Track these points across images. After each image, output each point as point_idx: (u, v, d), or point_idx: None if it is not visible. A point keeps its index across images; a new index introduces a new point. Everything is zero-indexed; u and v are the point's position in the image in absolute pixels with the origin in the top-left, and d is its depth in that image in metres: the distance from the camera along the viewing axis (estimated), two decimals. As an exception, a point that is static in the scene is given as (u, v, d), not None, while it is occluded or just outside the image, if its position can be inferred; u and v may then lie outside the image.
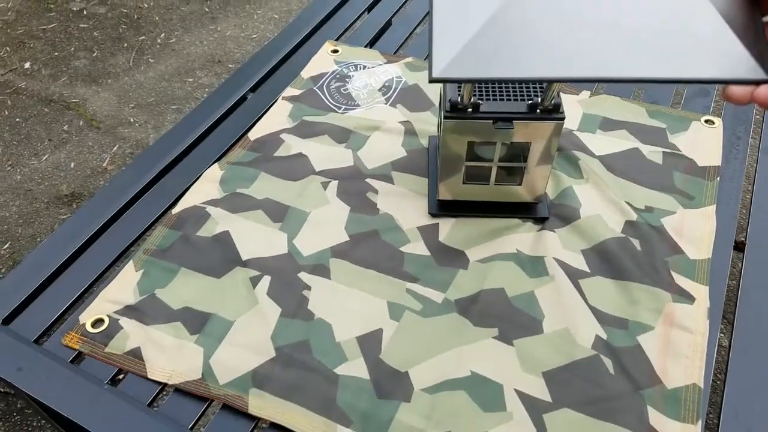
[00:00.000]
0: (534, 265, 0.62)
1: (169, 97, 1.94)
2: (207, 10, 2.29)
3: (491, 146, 0.61)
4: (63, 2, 2.35)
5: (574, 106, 0.79)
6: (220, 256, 0.64)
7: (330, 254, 0.63)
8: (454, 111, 0.58)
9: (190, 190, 0.71)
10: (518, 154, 0.62)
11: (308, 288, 0.60)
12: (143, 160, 0.75)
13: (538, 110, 0.58)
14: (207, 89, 1.96)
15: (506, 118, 0.58)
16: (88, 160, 1.77)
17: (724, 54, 0.32)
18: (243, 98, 0.85)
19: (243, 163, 0.74)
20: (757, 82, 0.32)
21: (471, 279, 0.61)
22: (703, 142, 0.74)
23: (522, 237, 0.65)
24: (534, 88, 0.60)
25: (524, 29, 0.31)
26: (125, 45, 2.15)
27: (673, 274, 0.60)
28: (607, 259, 0.62)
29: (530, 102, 0.58)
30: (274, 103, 0.82)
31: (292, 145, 0.76)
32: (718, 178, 0.70)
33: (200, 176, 0.72)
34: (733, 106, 0.79)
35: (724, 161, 0.72)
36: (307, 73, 0.87)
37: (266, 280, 0.61)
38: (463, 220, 0.67)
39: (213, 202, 0.69)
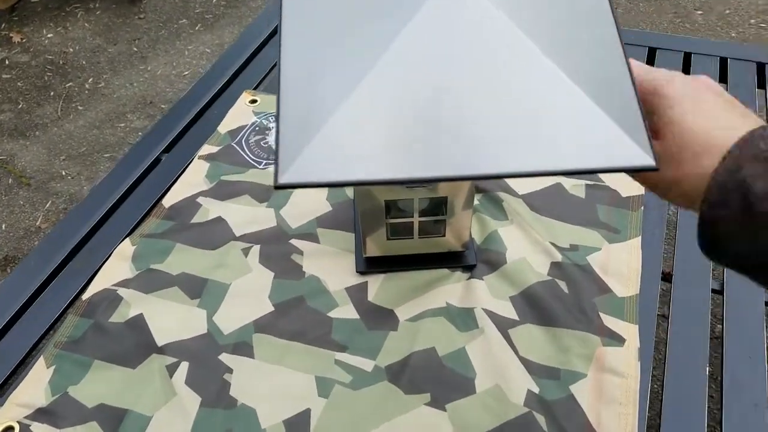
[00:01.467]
0: (464, 318, 0.60)
1: (101, 145, 1.88)
2: (135, 49, 2.23)
3: (409, 201, 0.59)
4: (-18, 53, 2.25)
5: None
6: (135, 344, 0.60)
7: (253, 329, 0.60)
8: (364, 171, 0.56)
9: (101, 271, 0.67)
10: (437, 206, 0.60)
11: (230, 371, 0.57)
12: (50, 242, 0.71)
13: (449, 164, 0.56)
14: (140, 133, 1.90)
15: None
16: (20, 220, 1.69)
17: (603, 140, 0.30)
18: (157, 160, 0.81)
19: (156, 234, 0.70)
20: (644, 170, 0.30)
21: (401, 341, 0.59)
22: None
23: (451, 288, 0.63)
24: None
25: (377, 127, 0.29)
26: (52, 93, 2.07)
27: (602, 315, 0.59)
28: (535, 305, 0.60)
29: (440, 156, 0.56)
30: (190, 163, 0.79)
31: (210, 209, 0.73)
32: (642, 208, 0.70)
33: (111, 254, 0.68)
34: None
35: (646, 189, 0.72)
36: (224, 127, 0.83)
37: (184, 367, 0.57)
38: (393, 275, 0.65)
39: (125, 283, 0.65)
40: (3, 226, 1.68)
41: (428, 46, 0.30)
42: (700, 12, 2.27)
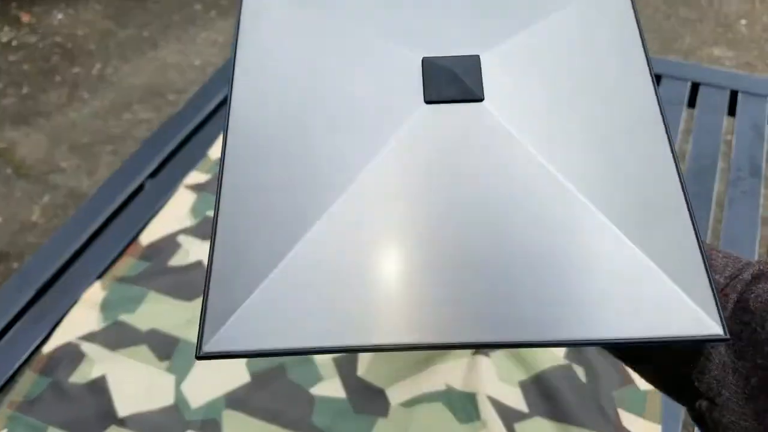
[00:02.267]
0: (465, 406, 0.53)
1: (105, 136, 1.82)
2: (146, 34, 2.15)
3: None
4: (-9, 32, 2.20)
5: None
6: (94, 411, 0.54)
7: (224, 404, 0.54)
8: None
9: (66, 318, 0.60)
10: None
11: (194, 455, 0.51)
12: (20, 278, 0.64)
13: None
14: (146, 125, 1.84)
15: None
16: (16, 213, 1.64)
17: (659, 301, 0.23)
18: (141, 187, 0.74)
19: (130, 278, 0.63)
20: (713, 340, 0.24)
21: (391, 430, 0.52)
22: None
23: (453, 366, 0.56)
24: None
25: (319, 287, 0.23)
26: (58, 79, 2.01)
27: (621, 412, 0.52)
28: (547, 396, 0.53)
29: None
30: (176, 191, 0.72)
31: (190, 250, 0.66)
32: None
33: (79, 299, 0.62)
34: (692, 181, 0.71)
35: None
36: (216, 151, 0.76)
37: (144, 447, 0.51)
38: (385, 343, 0.57)
39: (90, 337, 0.59)
40: None
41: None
42: (744, 21, 2.13)
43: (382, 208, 0.24)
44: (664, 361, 0.28)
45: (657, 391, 0.52)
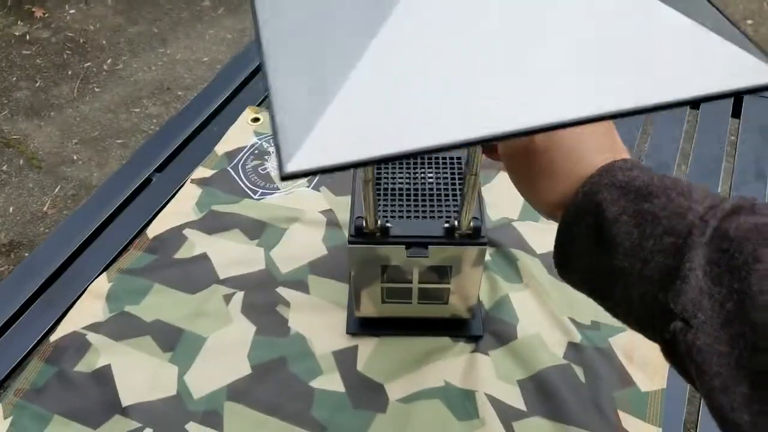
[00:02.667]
0: (463, 404, 0.53)
1: (115, 130, 1.83)
2: (156, 30, 2.17)
3: (408, 267, 0.52)
4: (4, 26, 2.22)
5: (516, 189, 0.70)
6: (99, 400, 0.54)
7: (225, 395, 0.54)
8: (359, 235, 0.49)
9: (73, 309, 0.61)
10: (441, 273, 0.53)
11: (195, 445, 0.51)
12: (25, 268, 0.66)
13: (456, 234, 0.49)
14: (155, 120, 1.85)
15: (420, 243, 0.49)
16: (28, 203, 1.66)
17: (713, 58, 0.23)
18: (148, 180, 0.75)
19: (136, 270, 0.64)
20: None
21: (389, 427, 0.52)
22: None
23: (452, 363, 0.56)
24: (453, 205, 0.51)
25: (407, 81, 0.21)
26: (69, 73, 2.03)
27: (621, 414, 0.52)
28: (546, 395, 0.53)
29: (446, 225, 0.49)
30: (181, 186, 0.73)
31: (196, 242, 0.66)
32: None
33: (85, 290, 0.63)
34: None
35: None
36: (222, 148, 0.77)
37: (146, 437, 0.52)
38: (387, 341, 0.58)
39: (95, 327, 0.59)
40: (10, 209, 1.65)
41: None
42: (750, 22, 2.12)
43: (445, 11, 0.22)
44: (641, 286, 0.29)
45: (658, 392, 0.53)
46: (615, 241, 0.29)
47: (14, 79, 2.04)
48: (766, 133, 0.75)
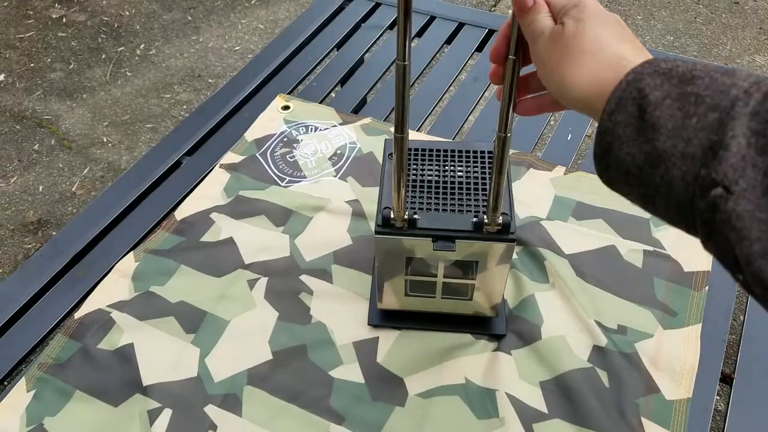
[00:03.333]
0: (483, 402, 0.53)
1: (145, 114, 1.85)
2: (190, 18, 2.19)
3: (434, 260, 0.51)
4: (42, 8, 2.26)
5: (545, 188, 0.69)
6: (120, 378, 0.55)
7: (245, 380, 0.55)
8: (386, 226, 0.49)
9: (98, 287, 0.62)
10: (466, 267, 0.52)
11: (214, 428, 0.52)
12: (54, 245, 0.67)
13: (484, 229, 0.48)
14: (185, 106, 1.87)
15: (447, 237, 0.49)
16: (57, 183, 1.69)
17: None
18: (178, 163, 0.76)
19: (162, 251, 0.65)
20: None
21: (407, 421, 0.52)
22: (692, 239, 0.63)
23: (473, 360, 0.55)
24: (482, 200, 0.50)
25: None
26: (103, 56, 2.06)
27: (644, 421, 0.51)
28: (568, 398, 0.52)
29: (475, 220, 0.48)
30: (210, 171, 0.73)
31: (223, 227, 0.67)
32: (707, 288, 0.60)
33: (112, 268, 0.63)
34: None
35: (714, 265, 0.62)
36: (252, 134, 0.77)
37: (166, 416, 0.52)
38: (408, 334, 0.58)
39: (120, 305, 0.60)
40: (40, 188, 1.68)
41: None
42: (793, 30, 2.06)
43: None
44: (683, 165, 0.28)
45: (683, 401, 0.51)
46: (658, 123, 0.29)
47: (49, 60, 2.08)
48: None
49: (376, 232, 0.49)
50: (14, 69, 2.04)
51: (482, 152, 0.53)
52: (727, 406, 0.53)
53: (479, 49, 0.89)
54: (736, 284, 0.61)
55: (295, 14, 2.19)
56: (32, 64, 2.06)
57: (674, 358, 0.55)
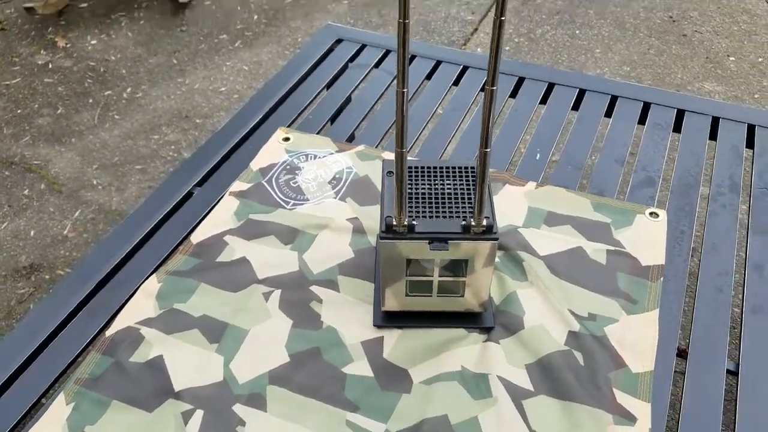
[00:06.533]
0: (478, 385, 0.61)
1: (134, 156, 1.92)
2: (175, 62, 2.28)
3: (431, 260, 0.60)
4: (28, 55, 2.33)
5: (519, 200, 0.79)
6: (153, 386, 0.61)
7: (267, 380, 0.62)
8: (389, 232, 0.57)
9: (126, 307, 0.69)
10: (458, 266, 0.61)
11: (243, 424, 0.58)
12: (78, 273, 0.73)
13: (471, 231, 0.57)
14: (173, 146, 1.95)
15: (441, 239, 0.57)
16: (48, 227, 1.73)
17: None
18: (189, 194, 0.83)
19: (182, 272, 0.72)
20: None
21: (414, 405, 0.59)
22: (647, 237, 0.73)
23: (467, 350, 0.64)
24: (468, 207, 0.59)
25: None
26: (90, 101, 2.13)
27: (615, 391, 0.59)
28: (550, 377, 0.61)
29: (464, 223, 0.57)
30: (220, 198, 0.81)
31: (236, 248, 0.74)
32: (662, 279, 0.69)
33: (137, 290, 0.70)
34: (677, 197, 0.79)
35: (667, 259, 0.72)
36: (256, 164, 0.86)
37: (198, 416, 0.59)
38: (409, 332, 0.66)
39: (147, 322, 0.67)
40: (32, 233, 1.73)
41: None
42: (732, 58, 2.24)
43: None
44: None
45: (647, 373, 0.60)
46: None
47: (36, 106, 2.14)
48: (738, 152, 0.84)
49: (381, 238, 0.57)
50: (1, 116, 2.10)
51: (466, 168, 0.63)
52: (684, 375, 0.62)
53: (455, 83, 1.00)
54: (686, 274, 0.70)
55: (277, 56, 2.30)
56: (19, 111, 2.12)
57: (637, 338, 0.64)
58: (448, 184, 0.61)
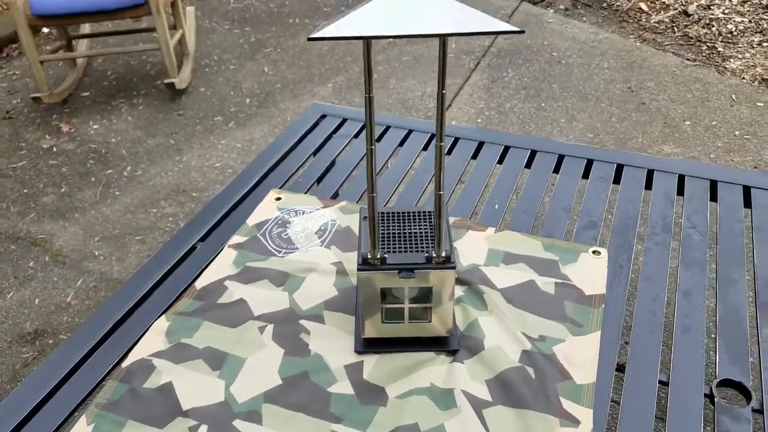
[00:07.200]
0: (445, 398, 0.70)
1: (134, 228, 2.04)
2: (173, 142, 2.45)
3: (401, 290, 0.71)
4: (34, 140, 2.50)
5: (480, 243, 0.91)
6: (164, 408, 0.70)
7: (263, 399, 0.71)
8: (365, 264, 0.69)
9: (139, 342, 0.78)
10: (425, 295, 0.72)
11: (242, 435, 0.67)
12: (98, 316, 0.83)
13: (433, 261, 0.69)
14: (171, 218, 2.07)
15: (408, 269, 0.69)
16: (52, 295, 1.82)
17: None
18: (193, 248, 0.95)
19: (187, 312, 0.82)
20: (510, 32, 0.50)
21: (389, 416, 0.69)
22: (590, 271, 0.85)
23: (436, 370, 0.73)
24: (431, 243, 0.71)
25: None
26: (93, 179, 2.27)
27: (562, 399, 0.69)
28: (506, 389, 0.70)
29: (426, 255, 0.69)
30: (221, 250, 0.92)
31: (235, 291, 0.85)
32: (603, 305, 0.81)
33: (148, 329, 0.80)
34: (617, 236, 0.92)
35: (608, 289, 0.83)
36: (252, 220, 0.98)
37: (203, 430, 0.68)
38: (386, 356, 0.76)
39: (158, 354, 0.76)
40: (36, 301, 1.81)
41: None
42: (688, 123, 2.46)
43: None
44: None
45: (590, 384, 0.70)
46: None
47: (41, 185, 2.28)
48: (669, 198, 0.98)
49: (358, 269, 0.69)
50: (8, 195, 2.23)
51: (429, 212, 0.75)
52: (622, 385, 0.72)
53: (424, 148, 1.15)
54: (624, 301, 0.82)
55: (268, 133, 2.49)
56: (25, 190, 2.25)
57: (581, 355, 0.74)
58: (414, 226, 0.73)
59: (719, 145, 2.33)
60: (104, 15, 2.43)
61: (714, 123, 2.44)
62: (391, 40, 3.05)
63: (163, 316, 0.82)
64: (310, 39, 0.49)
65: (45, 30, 3.27)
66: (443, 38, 0.55)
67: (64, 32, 2.76)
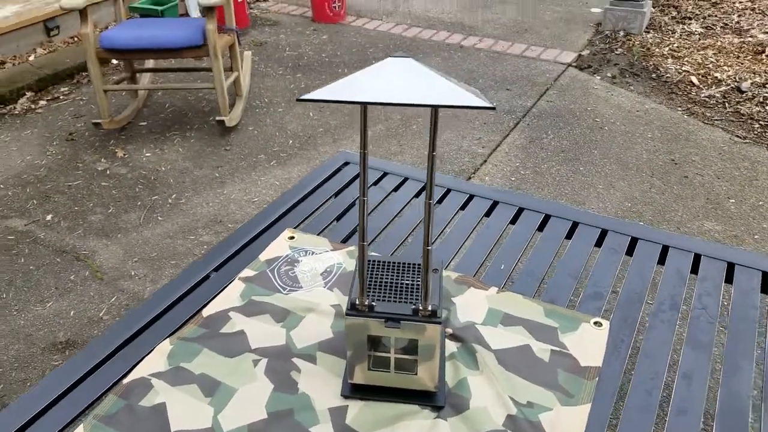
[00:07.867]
0: (423, 452, 0.70)
1: (170, 253, 2.13)
2: (217, 175, 2.57)
3: (388, 339, 0.73)
4: (90, 162, 2.66)
5: (481, 301, 0.92)
6: (154, 426, 0.73)
7: (247, 431, 0.73)
8: (353, 310, 0.71)
9: (143, 361, 0.82)
10: (412, 347, 0.73)
11: (221, 462, 0.69)
12: (109, 335, 0.88)
13: (420, 314, 0.70)
14: (205, 246, 2.15)
15: (394, 318, 0.71)
16: (87, 309, 1.91)
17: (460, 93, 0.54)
18: (207, 276, 0.99)
19: (190, 338, 0.86)
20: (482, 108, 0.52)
21: (364, 461, 0.69)
22: (589, 342, 0.85)
23: (418, 424, 0.74)
24: (417, 298, 0.73)
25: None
26: (139, 203, 2.39)
27: (541, 466, 0.68)
28: (485, 452, 0.70)
29: (414, 307, 0.71)
30: (231, 281, 0.96)
31: (237, 322, 0.88)
32: (597, 378, 0.79)
33: (153, 350, 0.84)
34: (622, 310, 0.91)
35: (606, 362, 0.82)
36: (264, 256, 1.02)
37: (186, 452, 0.70)
38: (371, 404, 0.76)
39: (157, 375, 0.80)
40: (72, 313, 1.90)
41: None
42: (732, 201, 2.39)
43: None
44: None
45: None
46: None
47: (91, 205, 2.42)
48: (681, 276, 0.97)
49: (346, 314, 0.71)
50: (60, 211, 2.37)
51: (417, 264, 0.77)
52: (606, 462, 0.70)
53: (439, 201, 1.17)
54: (620, 376, 0.80)
55: (305, 173, 2.57)
56: (76, 208, 2.39)
57: (568, 426, 0.73)
58: (407, 277, 0.75)
59: (765, 226, 2.25)
60: (167, 53, 2.61)
61: (761, 203, 2.37)
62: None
63: (168, 339, 0.86)
64: (299, 100, 0.54)
65: (114, 61, 3.53)
66: (435, 108, 0.58)
67: (130, 65, 2.97)
